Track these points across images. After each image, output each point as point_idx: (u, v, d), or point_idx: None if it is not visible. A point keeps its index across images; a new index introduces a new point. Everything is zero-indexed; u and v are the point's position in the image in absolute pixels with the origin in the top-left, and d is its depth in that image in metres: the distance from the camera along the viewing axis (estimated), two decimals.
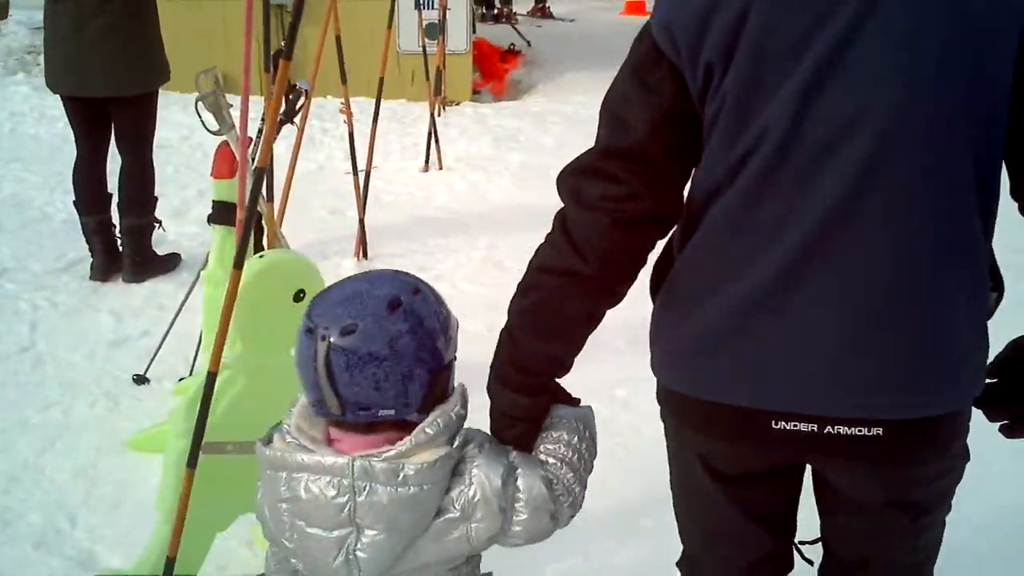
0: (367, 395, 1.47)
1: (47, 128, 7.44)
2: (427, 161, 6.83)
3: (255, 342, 2.52)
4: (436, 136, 6.80)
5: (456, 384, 1.61)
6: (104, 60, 4.47)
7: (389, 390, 1.48)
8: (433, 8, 8.19)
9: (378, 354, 1.46)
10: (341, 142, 6.90)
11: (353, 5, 6.39)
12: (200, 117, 3.21)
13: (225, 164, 3.26)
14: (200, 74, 3.18)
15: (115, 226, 4.84)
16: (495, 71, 9.89)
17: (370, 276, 1.60)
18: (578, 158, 1.55)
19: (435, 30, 7.77)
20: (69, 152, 6.42)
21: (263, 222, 3.29)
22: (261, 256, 2.61)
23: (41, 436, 3.46)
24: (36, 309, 4.44)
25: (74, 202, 4.82)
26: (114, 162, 4.80)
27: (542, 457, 1.61)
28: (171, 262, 4.92)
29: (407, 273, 1.62)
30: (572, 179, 1.53)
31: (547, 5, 14.57)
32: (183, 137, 7.00)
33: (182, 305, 3.87)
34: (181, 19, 7.56)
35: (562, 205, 1.55)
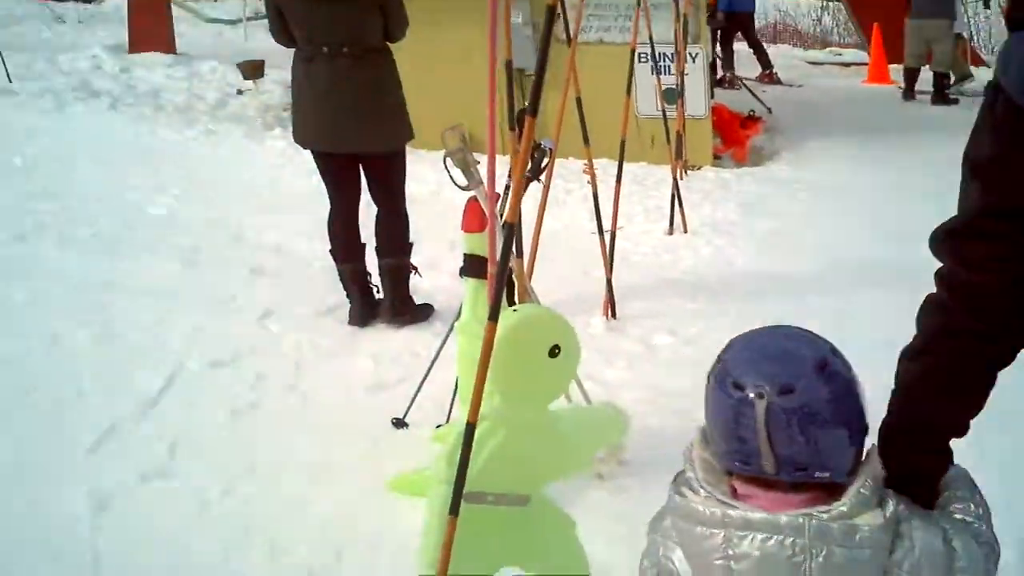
0: (805, 455, 1.47)
1: (304, 181, 7.74)
2: (671, 224, 6.74)
3: (512, 395, 2.49)
4: (680, 200, 6.71)
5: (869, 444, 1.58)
6: (357, 118, 4.64)
7: (827, 451, 1.48)
8: (670, 73, 8.16)
9: (817, 415, 1.46)
10: (584, 203, 6.91)
11: (591, 72, 6.43)
12: (448, 172, 3.25)
13: (475, 218, 3.31)
14: (447, 131, 3.23)
15: (370, 274, 4.99)
16: (736, 137, 9.76)
17: (781, 332, 1.61)
18: (952, 220, 1.53)
19: (673, 95, 7.73)
20: (325, 203, 6.74)
21: (513, 277, 3.29)
22: (515, 310, 2.58)
23: (306, 472, 3.53)
24: (300, 349, 4.59)
25: (330, 251, 4.98)
26: (366, 212, 4.97)
27: (958, 516, 1.57)
28: (425, 312, 5.02)
29: (811, 331, 1.61)
30: (951, 241, 1.52)
31: (775, 72, 14.36)
32: (432, 192, 7.16)
33: (438, 354, 3.89)
34: (422, 81, 7.82)
35: (940, 266, 1.55)
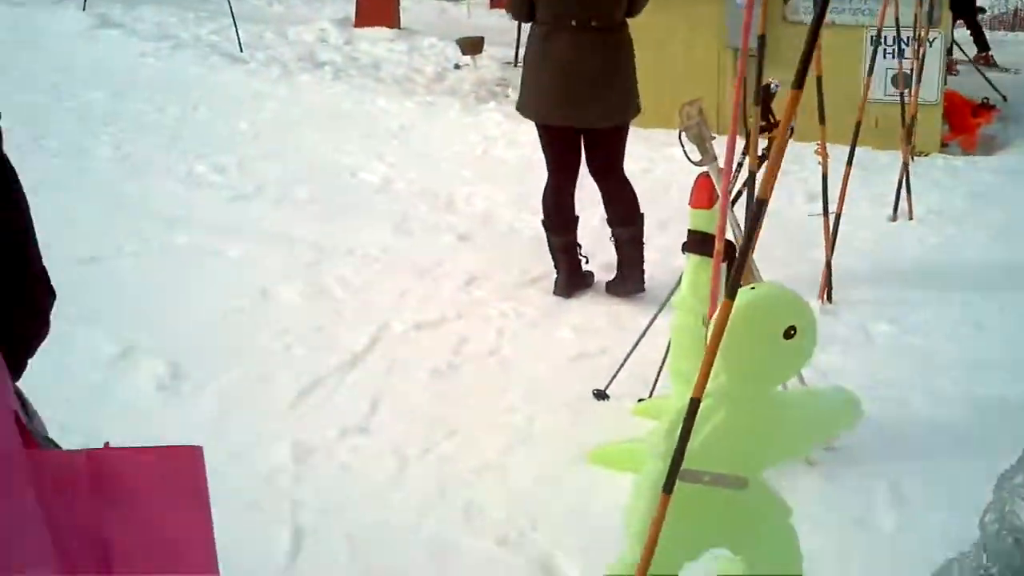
0: None
1: (515, 152, 7.80)
2: (895, 210, 6.39)
3: (740, 374, 2.36)
4: (908, 186, 6.35)
5: None
6: (597, 92, 4.60)
7: None
8: (905, 57, 7.73)
9: None
10: (803, 184, 6.65)
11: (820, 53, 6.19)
12: (683, 147, 3.17)
13: (704, 194, 3.23)
14: (685, 105, 3.18)
15: (580, 246, 4.93)
16: (965, 125, 9.19)
17: None
18: None
19: (908, 80, 7.32)
20: (535, 175, 6.70)
21: (736, 254, 3.15)
22: (753, 288, 2.44)
23: (506, 437, 3.50)
24: (503, 316, 4.57)
25: (543, 221, 4.94)
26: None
27: None
28: (588, 280, 5.00)
29: None
30: None
31: (991, 54, 13.45)
32: (644, 169, 7.04)
33: (648, 327, 3.78)
34: (643, 59, 7.71)
35: None
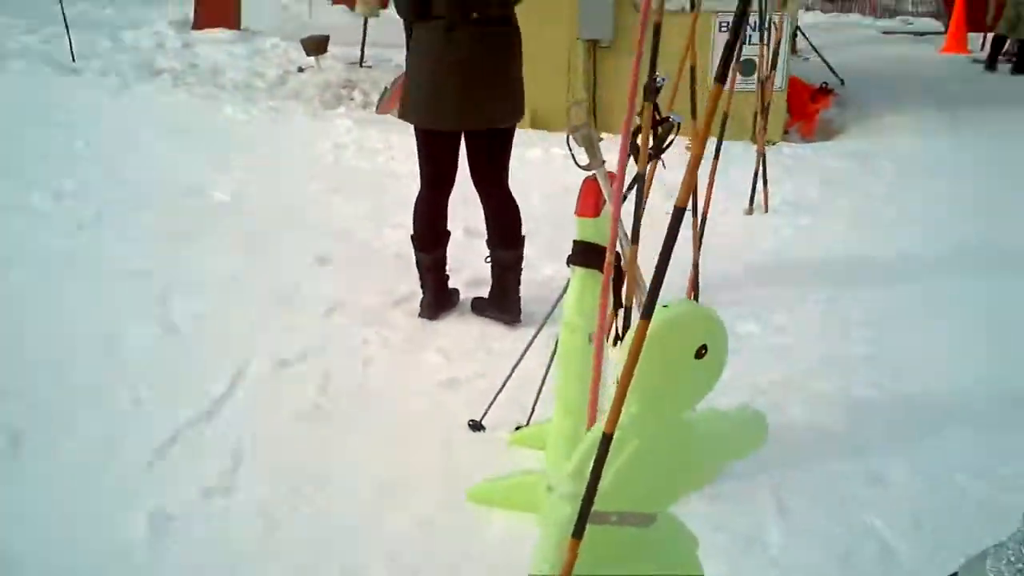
0: None
1: (368, 161, 7.61)
2: (751, 203, 6.45)
3: (652, 402, 2.25)
4: (765, 178, 6.41)
5: None
6: (496, 92, 4.40)
7: None
8: (752, 43, 7.81)
9: None
10: (658, 181, 6.64)
11: (674, 42, 6.18)
12: (571, 150, 3.01)
13: (591, 201, 3.05)
14: (573, 105, 2.99)
15: (447, 264, 4.76)
16: (805, 111, 9.37)
17: None
18: None
19: (751, 67, 7.40)
20: (392, 186, 6.53)
21: (622, 265, 3.05)
22: (665, 307, 2.33)
23: (379, 483, 3.32)
24: (368, 344, 4.38)
25: (412, 238, 4.69)
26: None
27: None
28: (454, 299, 4.85)
29: None
30: None
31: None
32: None
33: (526, 350, 3.65)
34: None
35: None
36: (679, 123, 3.21)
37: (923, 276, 5.30)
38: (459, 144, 4.52)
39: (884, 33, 15.58)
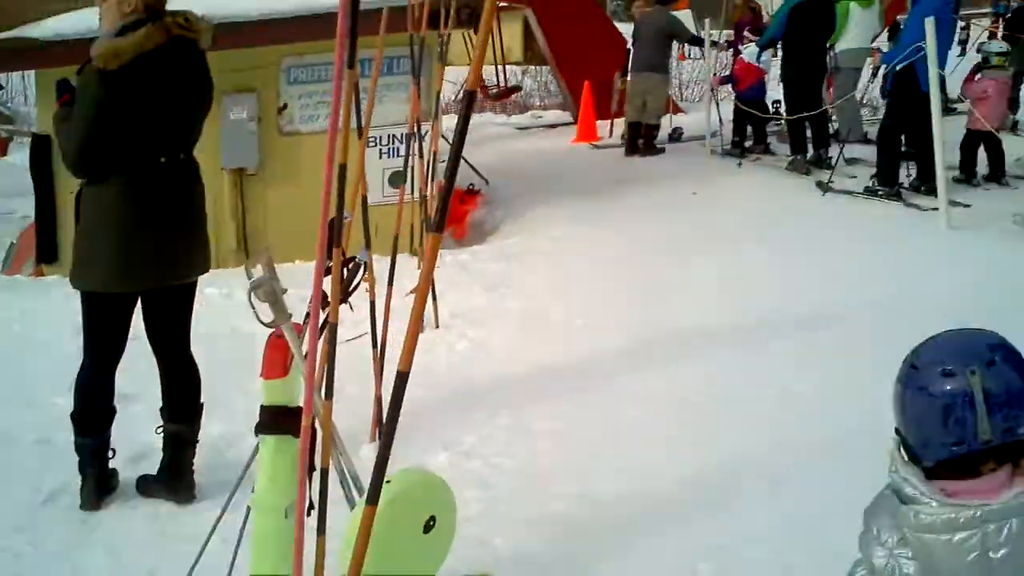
0: (1012, 415, 1.68)
1: None
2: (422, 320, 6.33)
3: None
4: (434, 292, 6.29)
5: None
6: (193, 238, 4.12)
7: None
8: (398, 156, 7.82)
9: (1016, 377, 1.70)
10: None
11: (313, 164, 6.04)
12: (253, 308, 2.75)
13: (279, 359, 2.86)
14: (253, 259, 2.83)
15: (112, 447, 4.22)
16: (455, 213, 9.44)
17: (952, 332, 1.83)
18: None
19: (400, 178, 7.37)
20: (29, 363, 5.85)
21: (317, 425, 2.79)
22: (388, 481, 2.11)
23: None
24: (20, 557, 3.78)
25: (75, 417, 4.11)
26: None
27: None
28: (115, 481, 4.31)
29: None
30: None
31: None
32: None
33: (209, 536, 3.27)
34: None
35: None
36: (365, 262, 3.08)
37: (600, 372, 5.34)
38: (132, 305, 4.09)
39: (519, 129, 16.26)
